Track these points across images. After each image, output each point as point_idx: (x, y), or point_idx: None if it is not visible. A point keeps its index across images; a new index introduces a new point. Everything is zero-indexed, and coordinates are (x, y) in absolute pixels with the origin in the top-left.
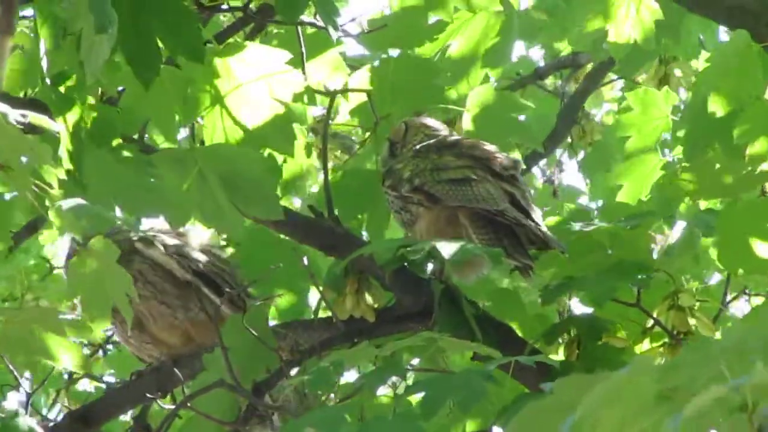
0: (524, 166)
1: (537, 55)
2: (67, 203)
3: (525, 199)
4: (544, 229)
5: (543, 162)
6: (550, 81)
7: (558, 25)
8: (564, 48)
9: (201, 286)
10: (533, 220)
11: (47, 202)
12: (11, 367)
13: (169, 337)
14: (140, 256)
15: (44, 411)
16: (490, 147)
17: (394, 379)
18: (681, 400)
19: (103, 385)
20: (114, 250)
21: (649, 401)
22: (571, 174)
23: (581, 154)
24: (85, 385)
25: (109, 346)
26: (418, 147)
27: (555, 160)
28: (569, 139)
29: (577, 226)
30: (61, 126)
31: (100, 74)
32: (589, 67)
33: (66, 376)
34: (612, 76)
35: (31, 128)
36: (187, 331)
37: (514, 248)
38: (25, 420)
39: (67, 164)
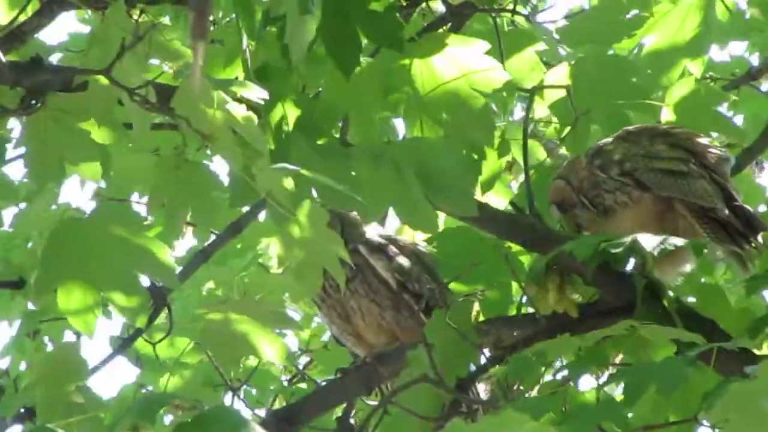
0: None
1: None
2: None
3: (735, 196)
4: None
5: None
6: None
7: None
8: None
9: (414, 305)
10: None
11: (254, 171)
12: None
13: (373, 336)
14: (364, 258)
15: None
16: (703, 140)
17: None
18: None
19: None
20: (323, 214)
21: None
22: None
23: None
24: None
25: None
26: (630, 129)
27: None
28: None
29: None
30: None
31: (301, 64)
32: None
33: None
34: None
35: None
36: (393, 332)
37: (740, 232)
38: (234, 413)
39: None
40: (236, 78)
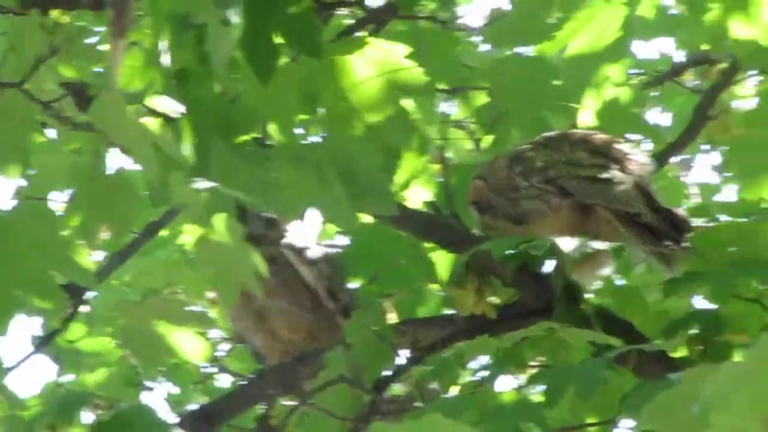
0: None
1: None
2: (190, 181)
3: (657, 200)
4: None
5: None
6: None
7: (696, 21)
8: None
9: (332, 307)
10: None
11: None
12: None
13: (289, 334)
14: (286, 261)
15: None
16: (622, 145)
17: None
18: None
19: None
20: (239, 228)
21: None
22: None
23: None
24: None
25: None
26: (549, 135)
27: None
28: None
29: (700, 221)
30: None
31: (221, 70)
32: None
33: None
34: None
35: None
36: (310, 333)
37: (665, 234)
38: (152, 412)
39: (191, 160)
40: (154, 81)
